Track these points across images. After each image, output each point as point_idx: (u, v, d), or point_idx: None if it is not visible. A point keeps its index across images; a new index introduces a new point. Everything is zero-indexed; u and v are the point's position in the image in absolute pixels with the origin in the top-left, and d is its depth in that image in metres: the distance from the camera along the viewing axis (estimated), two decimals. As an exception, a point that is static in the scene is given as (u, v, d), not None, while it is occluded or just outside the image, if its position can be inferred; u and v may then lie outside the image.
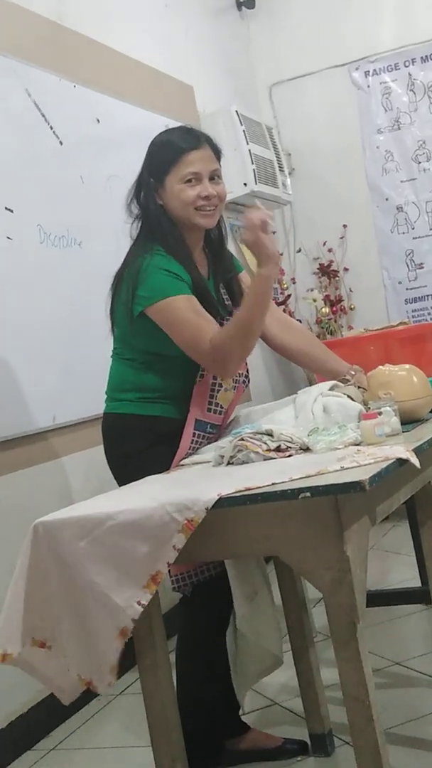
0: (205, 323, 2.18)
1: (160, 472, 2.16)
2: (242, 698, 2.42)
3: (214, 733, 2.32)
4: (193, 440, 2.25)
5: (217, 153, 2.31)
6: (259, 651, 2.37)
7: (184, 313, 2.17)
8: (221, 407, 2.31)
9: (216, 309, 2.29)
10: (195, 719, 2.12)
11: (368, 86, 5.15)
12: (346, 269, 5.22)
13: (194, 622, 2.30)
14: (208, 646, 2.30)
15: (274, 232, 2.15)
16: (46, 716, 2.81)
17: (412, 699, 2.62)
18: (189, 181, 2.24)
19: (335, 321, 5.02)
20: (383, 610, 3.29)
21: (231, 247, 2.53)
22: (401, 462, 1.73)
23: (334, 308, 5.08)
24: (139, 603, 1.71)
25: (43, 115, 3.25)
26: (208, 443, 2.28)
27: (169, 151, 2.26)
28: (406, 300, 5.19)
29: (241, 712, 2.47)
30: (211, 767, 2.25)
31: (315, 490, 1.59)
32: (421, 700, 2.59)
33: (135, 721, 2.75)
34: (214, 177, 2.28)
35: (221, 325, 2.29)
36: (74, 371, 3.20)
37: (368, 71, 5.15)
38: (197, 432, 2.25)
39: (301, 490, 1.60)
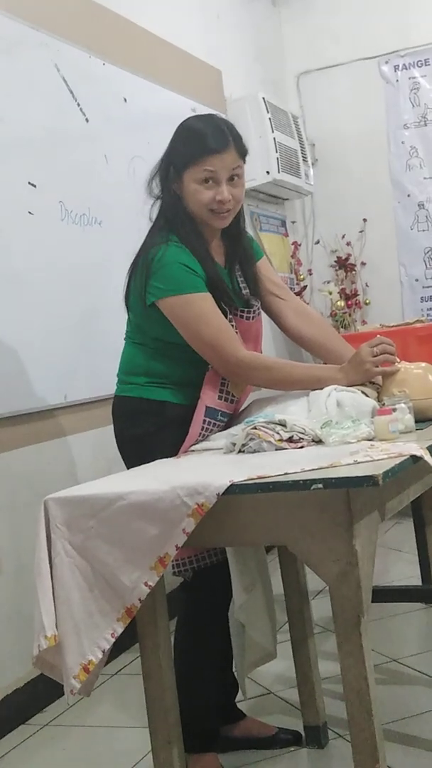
0: (231, 332, 2.21)
1: (168, 457, 2.16)
2: (242, 685, 2.43)
3: (209, 718, 2.32)
4: (203, 427, 2.23)
5: (243, 153, 2.25)
6: (253, 642, 2.38)
7: (201, 312, 2.17)
8: (233, 396, 2.30)
9: (230, 299, 2.28)
10: (189, 704, 2.12)
11: (397, 80, 5.12)
12: (363, 263, 5.20)
13: (194, 607, 2.30)
14: (206, 632, 2.30)
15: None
16: (42, 692, 2.82)
17: (407, 696, 2.62)
18: (206, 181, 2.20)
19: (349, 315, 5.01)
20: (382, 607, 3.29)
21: (252, 233, 2.51)
22: (414, 459, 1.72)
23: (349, 302, 5.07)
24: (146, 584, 1.70)
25: (71, 92, 3.24)
26: (219, 431, 2.27)
27: (194, 146, 2.20)
28: (421, 298, 5.17)
29: (240, 699, 2.48)
30: (204, 752, 2.26)
31: (328, 482, 1.58)
32: (416, 699, 2.60)
33: (129, 701, 2.76)
34: (234, 178, 2.22)
35: (235, 315, 2.29)
36: (88, 351, 3.19)
37: (398, 65, 5.11)
38: (207, 419, 2.24)
39: (313, 481, 1.59)
